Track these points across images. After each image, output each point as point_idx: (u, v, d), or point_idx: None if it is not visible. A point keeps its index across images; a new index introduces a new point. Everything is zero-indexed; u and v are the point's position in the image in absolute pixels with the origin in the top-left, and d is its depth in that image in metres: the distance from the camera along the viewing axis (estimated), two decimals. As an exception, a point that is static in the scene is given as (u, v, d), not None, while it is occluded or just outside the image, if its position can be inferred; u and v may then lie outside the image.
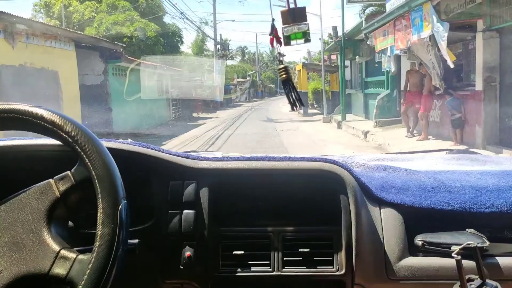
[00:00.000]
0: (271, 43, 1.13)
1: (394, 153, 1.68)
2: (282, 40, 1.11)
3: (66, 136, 0.83)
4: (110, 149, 0.88)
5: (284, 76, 1.14)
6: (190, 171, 1.21)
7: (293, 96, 1.17)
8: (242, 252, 1.16)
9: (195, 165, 1.22)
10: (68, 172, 0.85)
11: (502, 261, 1.13)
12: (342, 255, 1.14)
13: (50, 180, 0.86)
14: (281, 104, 37.36)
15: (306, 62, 30.20)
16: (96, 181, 0.81)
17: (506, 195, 1.21)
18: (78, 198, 0.86)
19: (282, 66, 1.14)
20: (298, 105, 1.16)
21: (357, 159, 1.49)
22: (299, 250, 1.15)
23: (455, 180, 1.27)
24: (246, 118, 22.04)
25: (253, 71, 54.42)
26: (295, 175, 1.22)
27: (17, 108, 0.85)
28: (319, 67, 22.79)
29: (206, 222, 1.17)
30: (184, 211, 1.16)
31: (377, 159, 1.54)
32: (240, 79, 45.60)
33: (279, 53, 1.14)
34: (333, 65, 23.55)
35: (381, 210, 1.20)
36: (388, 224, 1.18)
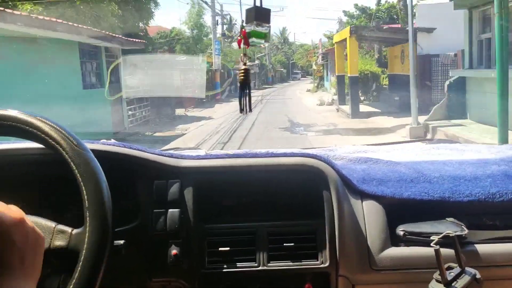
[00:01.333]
0: (239, 44, 1.15)
1: (374, 145, 1.71)
2: (249, 42, 1.13)
3: (50, 141, 0.84)
4: (93, 150, 0.88)
5: (242, 78, 1.17)
6: (174, 170, 1.21)
7: (245, 101, 1.22)
8: (228, 248, 1.17)
9: (179, 164, 1.23)
10: (69, 230, 0.86)
11: (481, 248, 1.16)
12: (326, 248, 1.16)
13: (53, 225, 0.86)
14: (298, 92, 34.84)
15: (357, 25, 18.07)
16: (82, 184, 0.82)
17: (484, 183, 1.24)
18: (65, 256, 0.87)
19: (243, 68, 1.16)
20: (246, 111, 1.20)
21: (338, 151, 1.51)
22: (284, 244, 1.17)
23: (434, 170, 1.30)
24: (256, 121, 13.93)
25: (262, 54, 50.88)
26: (277, 171, 1.23)
27: (10, 115, 0.85)
28: (380, 33, 14.62)
29: (191, 220, 1.17)
30: (169, 210, 1.16)
31: (358, 151, 1.56)
32: (249, 63, 43.77)
33: (244, 54, 1.16)
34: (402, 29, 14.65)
35: (363, 202, 1.23)
36: (370, 216, 1.20)
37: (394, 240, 1.19)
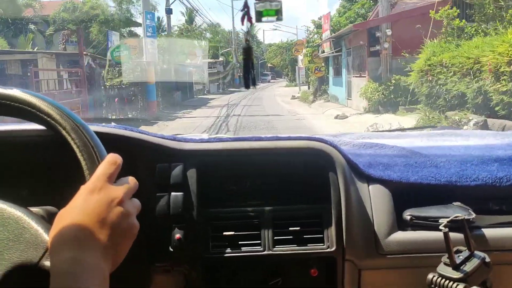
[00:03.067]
0: (242, 20, 1.11)
1: (379, 131, 1.69)
2: (253, 18, 1.11)
3: (52, 122, 0.81)
4: (94, 132, 0.86)
5: (245, 56, 1.16)
6: (176, 153, 1.19)
7: (252, 76, 1.22)
8: (232, 232, 1.15)
9: (182, 147, 1.20)
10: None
11: (488, 232, 1.15)
12: (332, 232, 1.14)
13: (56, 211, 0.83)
14: (280, 99, 29.29)
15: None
16: (82, 158, 0.80)
17: (491, 168, 1.23)
18: None
19: (246, 46, 1.15)
20: (251, 85, 1.20)
21: (343, 138, 1.49)
22: (289, 228, 1.15)
23: (440, 155, 1.28)
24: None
25: (228, 49, 46.20)
26: (283, 154, 1.21)
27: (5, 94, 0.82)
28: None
29: (195, 203, 1.15)
30: (172, 193, 1.14)
31: (363, 137, 1.55)
32: (210, 60, 36.08)
33: (247, 32, 1.14)
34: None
35: (370, 187, 1.21)
36: (377, 200, 1.19)
37: (401, 224, 1.17)
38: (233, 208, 1.19)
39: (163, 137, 1.23)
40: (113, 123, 1.29)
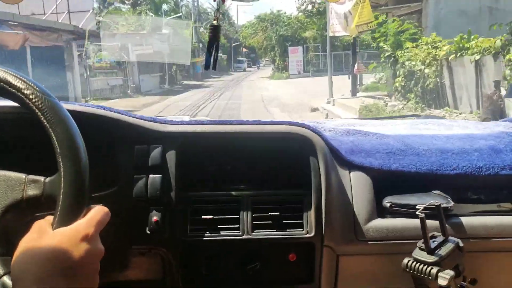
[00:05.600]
0: None
1: (363, 119, 1.69)
2: None
3: (26, 100, 0.78)
4: (70, 111, 0.83)
5: (211, 35, 1.13)
6: (156, 134, 1.18)
7: (213, 58, 1.17)
8: (211, 216, 1.14)
9: (162, 129, 1.19)
10: (42, 179, 0.80)
11: (466, 220, 1.16)
12: (312, 217, 1.14)
13: (23, 176, 0.81)
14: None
15: None
16: (50, 129, 0.77)
17: (471, 157, 1.23)
18: (41, 204, 0.82)
19: (215, 24, 1.11)
20: (211, 67, 1.16)
21: (327, 124, 1.49)
22: (269, 213, 1.15)
23: (422, 144, 1.29)
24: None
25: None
26: (265, 139, 1.21)
27: None
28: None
29: (174, 186, 1.14)
30: (151, 175, 1.13)
31: (347, 124, 1.54)
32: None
33: (217, 9, 1.10)
34: None
35: (351, 173, 1.21)
36: (358, 186, 1.19)
37: (380, 211, 1.18)
38: (212, 192, 1.19)
39: (142, 118, 1.21)
40: (90, 103, 1.26)
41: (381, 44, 12.81)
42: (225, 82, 31.19)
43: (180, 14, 33.82)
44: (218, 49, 1.18)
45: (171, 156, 1.16)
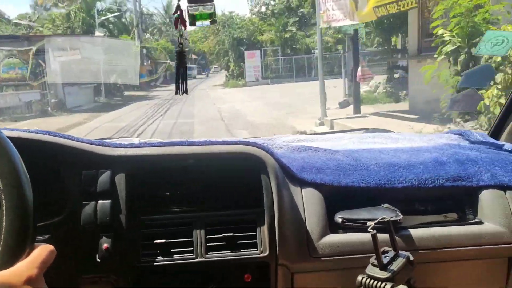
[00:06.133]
0: (175, 25, 1.08)
1: (314, 134, 1.72)
2: (187, 22, 1.07)
3: None
4: (12, 138, 0.79)
5: (178, 62, 1.12)
6: (104, 159, 1.14)
7: (182, 83, 1.16)
8: (164, 240, 1.12)
9: (110, 153, 1.16)
10: None
11: (414, 232, 1.20)
12: (266, 236, 1.14)
13: None
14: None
15: None
16: None
17: (417, 170, 1.28)
18: None
19: (179, 50, 1.10)
20: (182, 92, 1.15)
21: (278, 141, 1.50)
22: (223, 234, 1.14)
23: (371, 158, 1.32)
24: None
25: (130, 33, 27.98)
26: (216, 159, 1.20)
27: None
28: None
29: (124, 211, 1.11)
30: (100, 201, 1.10)
31: (297, 140, 1.56)
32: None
33: (180, 35, 1.10)
34: None
35: (303, 190, 1.22)
36: (309, 203, 1.20)
37: (333, 227, 1.20)
38: (165, 215, 1.16)
39: (90, 143, 1.17)
40: (35, 127, 1.21)
41: (440, 31, 6.93)
42: (174, 92, 26.40)
43: (118, 13, 29.78)
44: (186, 75, 1.17)
45: (120, 180, 1.13)
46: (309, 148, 1.39)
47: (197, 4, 1.02)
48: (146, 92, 25.54)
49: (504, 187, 1.26)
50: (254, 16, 32.89)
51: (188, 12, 1.06)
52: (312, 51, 28.12)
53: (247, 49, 28.98)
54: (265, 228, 1.14)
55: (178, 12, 1.06)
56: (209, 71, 51.94)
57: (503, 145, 1.43)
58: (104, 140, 1.24)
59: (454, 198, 1.30)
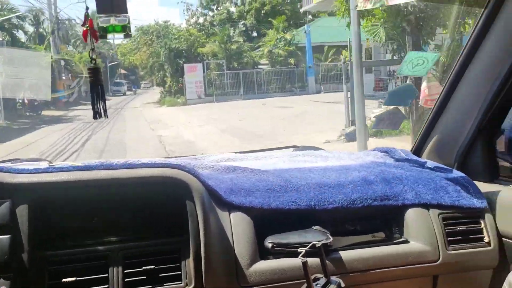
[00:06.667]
0: (84, 36, 0.97)
1: (243, 152, 1.66)
2: (97, 34, 0.96)
3: None
4: None
5: (92, 79, 1.00)
6: (3, 187, 1.00)
7: (99, 105, 1.03)
8: (74, 278, 1.00)
9: (10, 180, 1.01)
10: None
11: (344, 255, 1.18)
12: (191, 267, 1.06)
13: None
14: None
15: None
16: None
17: (346, 190, 1.26)
18: None
19: (93, 66, 1.00)
20: (102, 116, 1.03)
21: (205, 160, 1.42)
22: (143, 268, 1.04)
23: (301, 178, 1.29)
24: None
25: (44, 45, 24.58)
26: (136, 184, 1.09)
27: None
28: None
29: (26, 247, 0.98)
30: None
31: (226, 159, 1.50)
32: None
33: (92, 49, 0.99)
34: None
35: (231, 215, 1.16)
36: (238, 228, 1.14)
37: (263, 252, 1.15)
38: (75, 249, 1.04)
39: None
40: None
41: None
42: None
43: (20, 13, 24.20)
44: (104, 94, 1.05)
45: (22, 211, 0.99)
46: (238, 169, 1.33)
47: (108, 15, 0.92)
48: (64, 111, 20.35)
49: (427, 205, 1.28)
50: (191, 27, 29.60)
51: (98, 23, 0.95)
52: (258, 66, 26.31)
53: (186, 62, 25.08)
54: (190, 258, 1.06)
55: (88, 24, 0.96)
56: (136, 88, 45.07)
57: (425, 162, 1.47)
58: (5, 165, 1.09)
59: (382, 217, 1.30)
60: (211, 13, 31.92)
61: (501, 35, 1.27)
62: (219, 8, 32.00)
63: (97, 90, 1.05)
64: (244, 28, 28.48)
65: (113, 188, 1.09)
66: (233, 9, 31.70)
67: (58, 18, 26.09)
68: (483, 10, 1.29)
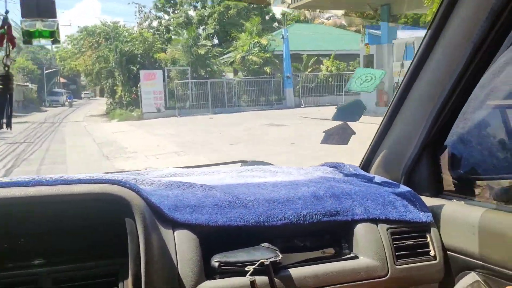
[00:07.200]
0: (0, 41, 0.89)
1: (189, 167, 1.60)
2: (15, 39, 0.88)
3: None
4: None
5: (2, 87, 0.91)
6: None
7: (7, 114, 0.94)
8: None
9: None
10: None
11: (294, 272, 1.14)
12: None
13: None
14: None
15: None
16: None
17: (296, 206, 1.24)
18: None
19: (4, 73, 0.91)
20: (7, 126, 0.95)
21: (149, 175, 1.35)
22: None
23: (249, 194, 1.25)
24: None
25: None
26: (70, 202, 1.01)
27: None
28: None
29: None
30: None
31: (172, 174, 1.43)
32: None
33: (7, 55, 0.91)
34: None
35: (175, 232, 1.09)
36: (183, 247, 1.08)
37: (209, 272, 1.09)
38: (1, 273, 0.95)
39: None
40: None
41: None
42: (32, 127, 16.97)
43: None
44: (11, 103, 0.94)
45: None
46: (184, 184, 1.27)
47: (33, 19, 0.84)
48: None
49: (376, 220, 1.28)
50: (144, 30, 26.41)
51: (22, 28, 0.87)
52: (222, 75, 23.09)
53: (141, 68, 21.73)
54: (129, 282, 0.98)
55: (6, 27, 0.87)
56: (72, 99, 36.83)
57: (374, 177, 1.47)
58: None
59: (331, 233, 1.29)
60: (166, 16, 28.85)
61: (443, 55, 1.32)
62: (176, 11, 28.82)
63: (5, 100, 0.95)
64: (213, 31, 25.03)
65: (43, 206, 0.99)
66: (192, 12, 28.51)
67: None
68: (426, 30, 1.33)
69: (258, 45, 22.00)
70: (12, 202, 0.95)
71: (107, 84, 24.51)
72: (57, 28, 0.87)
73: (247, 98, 22.00)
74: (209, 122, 16.11)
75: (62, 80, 40.68)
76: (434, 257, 1.28)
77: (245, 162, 1.77)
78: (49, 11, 0.86)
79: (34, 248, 1.00)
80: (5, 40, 0.87)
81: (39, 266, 0.97)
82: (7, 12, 0.88)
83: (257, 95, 22.00)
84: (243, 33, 23.13)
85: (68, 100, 34.58)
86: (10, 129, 0.92)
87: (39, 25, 0.85)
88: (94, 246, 1.04)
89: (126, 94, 22.47)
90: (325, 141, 1.47)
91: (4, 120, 0.92)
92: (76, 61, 27.61)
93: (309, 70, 23.09)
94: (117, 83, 23.36)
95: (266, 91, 22.23)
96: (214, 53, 23.09)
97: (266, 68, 22.11)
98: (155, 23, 28.28)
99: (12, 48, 0.89)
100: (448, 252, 1.30)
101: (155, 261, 1.01)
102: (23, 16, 0.85)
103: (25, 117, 21.62)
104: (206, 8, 27.88)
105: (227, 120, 16.31)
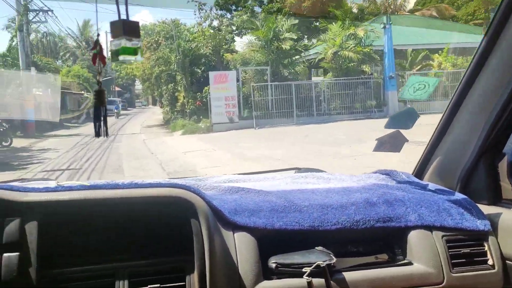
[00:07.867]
0: (93, 60, 1.01)
1: (246, 174, 1.68)
2: (105, 59, 1.00)
3: None
4: None
5: (96, 101, 1.03)
6: (13, 205, 1.02)
7: (101, 126, 1.05)
8: None
9: (20, 198, 1.03)
10: None
11: (348, 276, 1.17)
12: (196, 286, 1.06)
13: None
14: None
15: None
16: None
17: (349, 211, 1.27)
18: None
19: (98, 89, 1.03)
20: (103, 134, 1.07)
21: (209, 181, 1.44)
22: (149, 286, 1.05)
23: (304, 199, 1.30)
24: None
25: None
26: (142, 203, 1.11)
27: None
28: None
29: (35, 265, 0.98)
30: (5, 254, 0.97)
31: (230, 180, 1.52)
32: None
33: (99, 73, 1.03)
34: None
35: (235, 234, 1.17)
36: (242, 248, 1.15)
37: (266, 272, 1.15)
38: (82, 267, 1.05)
39: None
40: None
41: None
42: (84, 141, 14.22)
43: None
44: (106, 115, 1.06)
45: (31, 229, 1.00)
46: (241, 189, 1.35)
47: (121, 37, 0.95)
48: (32, 140, 14.26)
49: (430, 227, 1.29)
50: (206, 29, 22.82)
51: (110, 46, 0.98)
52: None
53: (207, 70, 18.28)
54: (195, 277, 1.07)
55: (98, 48, 0.99)
56: (119, 109, 33.31)
57: (427, 185, 1.47)
58: (14, 184, 1.12)
59: (384, 239, 1.30)
60: (228, 15, 24.75)
61: (500, 61, 1.30)
62: (239, 8, 24.79)
63: (100, 111, 1.07)
64: (297, 21, 18.99)
65: (119, 207, 1.10)
66: (258, 8, 24.61)
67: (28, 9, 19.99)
68: (481, 39, 1.32)
69: (353, 37, 17.41)
70: (93, 202, 1.07)
71: (168, 89, 22.04)
72: (140, 46, 0.97)
73: (340, 104, 17.85)
74: (300, 136, 12.49)
75: (117, 88, 39.27)
76: (493, 266, 1.26)
77: (298, 169, 1.82)
78: (134, 32, 0.96)
79: (112, 245, 1.11)
80: (97, 59, 0.99)
81: (116, 261, 1.07)
82: (98, 35, 1.01)
83: (352, 100, 17.75)
84: (334, 23, 18.11)
85: (115, 110, 31.02)
86: (107, 137, 1.04)
87: (124, 42, 0.95)
88: (162, 244, 1.13)
89: (189, 101, 19.76)
90: (378, 148, 1.49)
91: (104, 128, 1.04)
92: (133, 64, 23.40)
93: (417, 67, 17.96)
94: (179, 88, 20.87)
95: (362, 95, 17.89)
96: (299, 48, 18.74)
97: (364, 66, 17.62)
98: (215, 23, 24.22)
99: (103, 67, 1.01)
100: (507, 261, 1.27)
101: (218, 260, 1.08)
102: (112, 37, 0.96)
103: (78, 129, 20.15)
104: (274, 2, 23.41)
105: (324, 133, 12.54)
